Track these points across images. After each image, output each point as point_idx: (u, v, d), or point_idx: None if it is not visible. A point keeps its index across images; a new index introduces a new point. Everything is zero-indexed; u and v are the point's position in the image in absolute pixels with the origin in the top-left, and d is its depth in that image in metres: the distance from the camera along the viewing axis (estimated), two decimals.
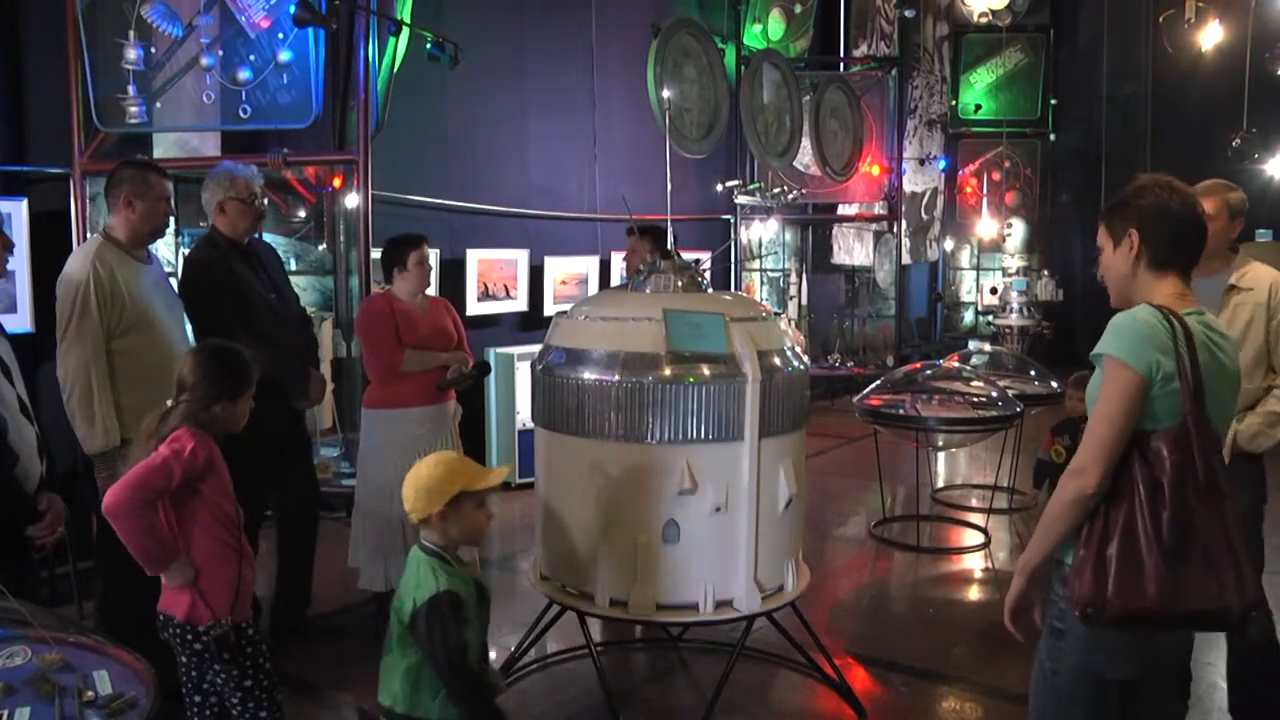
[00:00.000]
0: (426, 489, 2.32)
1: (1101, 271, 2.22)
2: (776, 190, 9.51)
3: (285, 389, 3.84)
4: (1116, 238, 2.14)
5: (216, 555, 2.45)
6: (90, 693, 1.88)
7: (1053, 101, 13.15)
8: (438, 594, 2.25)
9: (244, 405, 2.57)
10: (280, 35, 5.05)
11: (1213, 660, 3.97)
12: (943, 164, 12.72)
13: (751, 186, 9.55)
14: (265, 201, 4.02)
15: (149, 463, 2.34)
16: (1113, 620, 1.95)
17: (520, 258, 7.23)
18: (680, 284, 3.51)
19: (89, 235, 4.64)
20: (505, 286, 7.16)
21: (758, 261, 10.60)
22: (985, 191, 13.01)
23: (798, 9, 10.26)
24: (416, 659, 2.29)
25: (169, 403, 2.47)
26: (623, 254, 5.19)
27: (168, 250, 5.26)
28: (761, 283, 10.71)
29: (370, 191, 5.41)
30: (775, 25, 10.05)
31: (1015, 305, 11.37)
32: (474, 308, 6.86)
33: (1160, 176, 2.13)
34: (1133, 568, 1.92)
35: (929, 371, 6.11)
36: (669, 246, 3.75)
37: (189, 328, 3.73)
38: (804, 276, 11.18)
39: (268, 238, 6.01)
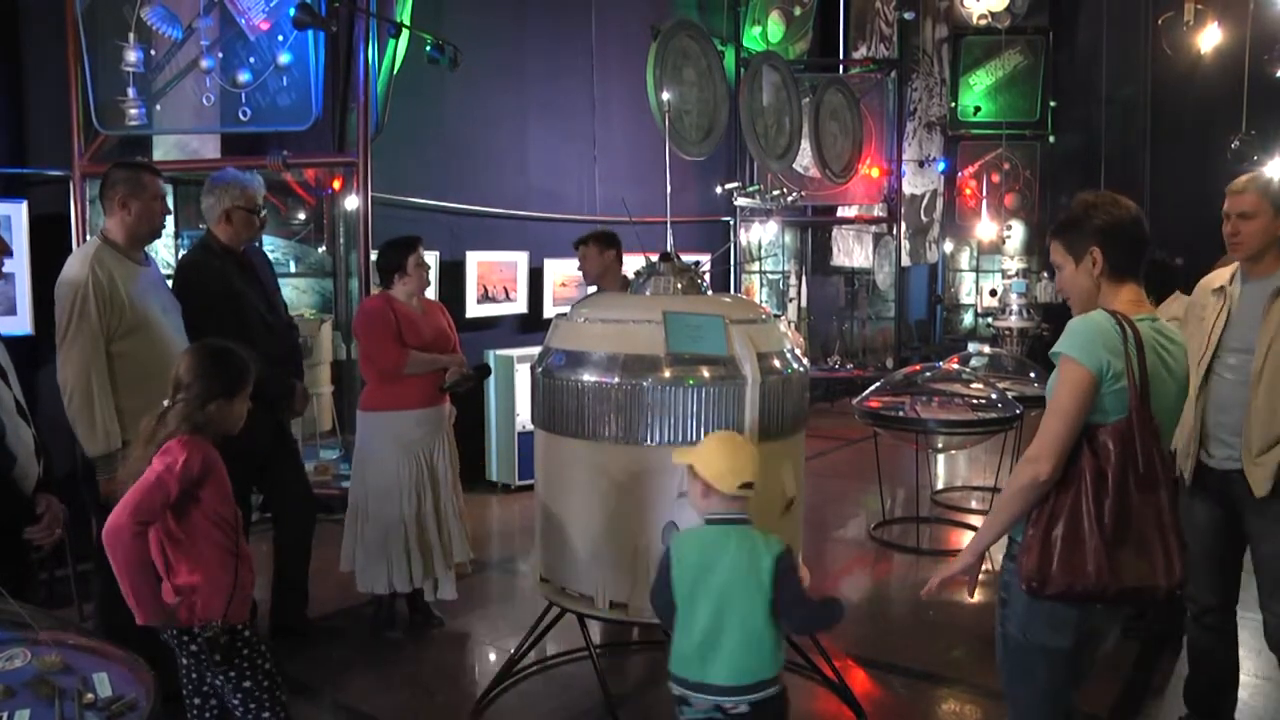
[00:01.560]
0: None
1: (1060, 287, 2.39)
2: (776, 192, 9.51)
3: (270, 400, 3.85)
4: (1078, 256, 2.30)
5: (213, 559, 2.45)
6: (90, 695, 1.88)
7: (1052, 103, 13.13)
8: (783, 547, 2.41)
9: (240, 405, 2.56)
10: (280, 38, 5.06)
11: None
12: (942, 166, 12.72)
13: (751, 189, 9.55)
14: (265, 213, 4.01)
15: (143, 483, 2.34)
16: (1055, 594, 2.16)
17: (520, 260, 7.24)
18: (680, 286, 3.51)
19: (89, 238, 4.64)
20: (505, 289, 7.16)
21: (757, 264, 10.60)
22: (985, 193, 13.00)
23: (797, 11, 10.27)
24: (774, 621, 2.38)
25: (164, 403, 2.46)
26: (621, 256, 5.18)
27: (167, 253, 5.26)
28: (761, 285, 10.71)
29: (370, 194, 5.41)
30: (775, 27, 10.05)
31: (1015, 307, 11.35)
32: (473, 310, 6.86)
33: (1103, 194, 2.32)
34: (1076, 548, 2.13)
35: (928, 373, 6.11)
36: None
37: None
38: (803, 279, 11.18)
39: (266, 241, 6.02)
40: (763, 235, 10.55)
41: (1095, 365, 2.14)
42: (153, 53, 5.05)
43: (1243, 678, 3.79)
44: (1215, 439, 3.07)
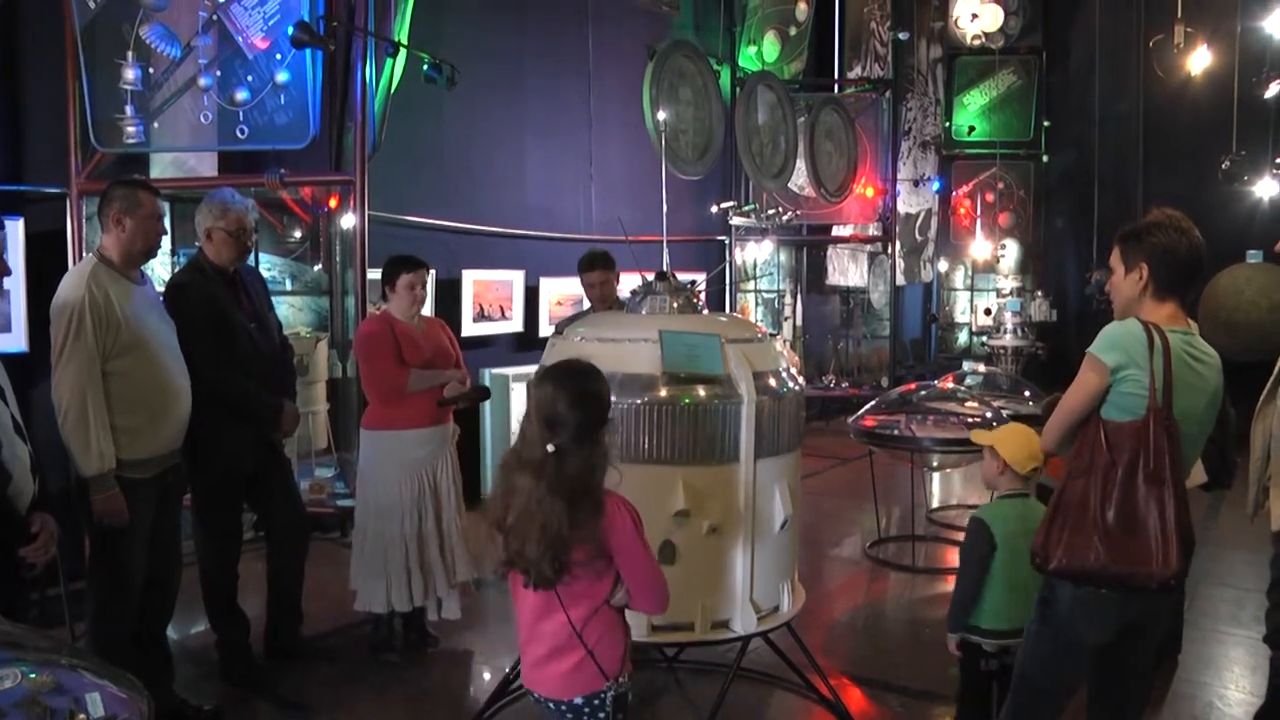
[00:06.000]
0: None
1: (1109, 288, 2.54)
2: (771, 211, 9.55)
3: (257, 420, 3.85)
4: (1128, 265, 2.43)
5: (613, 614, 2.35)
6: (82, 715, 1.86)
7: (1045, 123, 13.22)
8: None
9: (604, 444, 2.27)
10: (278, 56, 5.08)
11: (1208, 680, 3.97)
12: (937, 185, 12.77)
13: (747, 208, 9.58)
14: (255, 238, 3.98)
15: (632, 546, 2.30)
16: (1056, 570, 2.39)
17: (516, 278, 7.25)
18: (675, 305, 3.52)
19: (85, 255, 4.64)
20: (501, 307, 7.17)
21: (753, 282, 10.63)
22: (979, 212, 13.06)
23: (792, 31, 10.35)
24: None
25: (549, 448, 2.18)
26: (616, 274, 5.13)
27: (163, 271, 5.26)
28: (756, 304, 10.73)
29: (366, 212, 5.41)
30: (770, 47, 10.12)
31: (1009, 326, 11.39)
32: (469, 328, 6.86)
33: (1172, 215, 2.43)
34: (1079, 531, 2.34)
35: (923, 392, 6.12)
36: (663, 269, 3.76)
37: None
38: (799, 297, 11.21)
39: (262, 259, 6.03)
40: (758, 254, 10.58)
41: (1112, 363, 2.31)
42: (151, 71, 5.07)
43: (1237, 695, 3.81)
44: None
